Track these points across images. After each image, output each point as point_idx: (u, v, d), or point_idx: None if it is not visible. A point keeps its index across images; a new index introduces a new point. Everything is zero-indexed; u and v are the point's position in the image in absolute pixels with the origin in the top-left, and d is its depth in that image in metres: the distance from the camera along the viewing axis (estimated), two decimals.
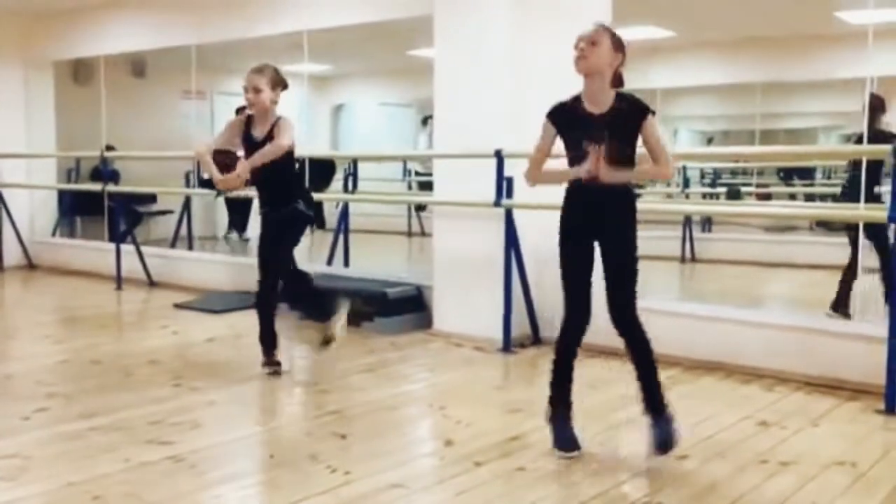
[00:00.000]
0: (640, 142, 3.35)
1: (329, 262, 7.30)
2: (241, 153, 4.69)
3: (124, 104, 9.44)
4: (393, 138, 11.55)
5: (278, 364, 4.81)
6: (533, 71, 5.41)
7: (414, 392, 4.65)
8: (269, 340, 4.83)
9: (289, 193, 4.70)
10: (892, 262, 4.19)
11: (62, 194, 9.69)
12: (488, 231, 5.50)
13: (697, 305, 5.52)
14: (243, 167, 4.56)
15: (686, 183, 9.63)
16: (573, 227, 3.42)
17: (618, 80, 3.34)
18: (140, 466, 3.31)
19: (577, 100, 3.36)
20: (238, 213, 9.61)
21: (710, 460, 3.44)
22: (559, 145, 3.44)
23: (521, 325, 5.53)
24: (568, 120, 3.36)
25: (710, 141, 10.21)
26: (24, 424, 3.84)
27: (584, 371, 4.82)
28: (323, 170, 9.38)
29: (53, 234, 9.61)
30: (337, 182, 8.81)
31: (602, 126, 3.26)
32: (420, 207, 10.32)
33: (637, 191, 3.78)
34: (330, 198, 8.77)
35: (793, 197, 9.45)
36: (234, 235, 9.94)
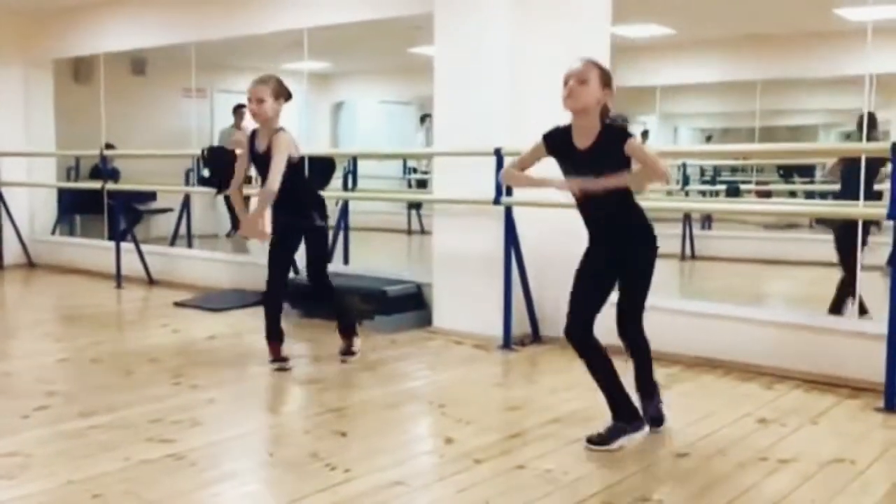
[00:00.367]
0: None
1: (329, 259, 7.30)
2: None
3: (124, 102, 9.43)
4: (393, 136, 11.55)
5: (285, 360, 4.86)
6: (533, 69, 5.41)
7: (414, 390, 4.65)
8: (275, 337, 4.87)
9: (299, 202, 4.72)
10: (894, 260, 4.19)
11: (62, 193, 9.69)
12: (488, 229, 5.50)
13: (697, 303, 5.53)
14: (260, 217, 4.66)
15: (686, 180, 9.63)
16: (592, 260, 3.59)
17: (605, 113, 3.44)
18: (140, 464, 3.31)
19: (568, 131, 3.50)
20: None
21: (709, 458, 3.44)
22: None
23: (521, 323, 5.53)
24: (559, 148, 3.51)
25: (709, 138, 10.21)
26: (24, 423, 3.85)
27: (585, 370, 4.83)
28: (323, 168, 9.38)
29: (53, 233, 9.61)
30: (337, 180, 8.81)
31: (587, 161, 3.40)
32: (415, 206, 10.32)
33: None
34: (330, 196, 8.76)
35: (793, 194, 9.46)
36: (237, 234, 9.93)
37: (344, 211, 7.41)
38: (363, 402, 4.28)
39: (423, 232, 10.04)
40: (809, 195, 9.18)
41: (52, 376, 4.76)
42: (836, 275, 5.73)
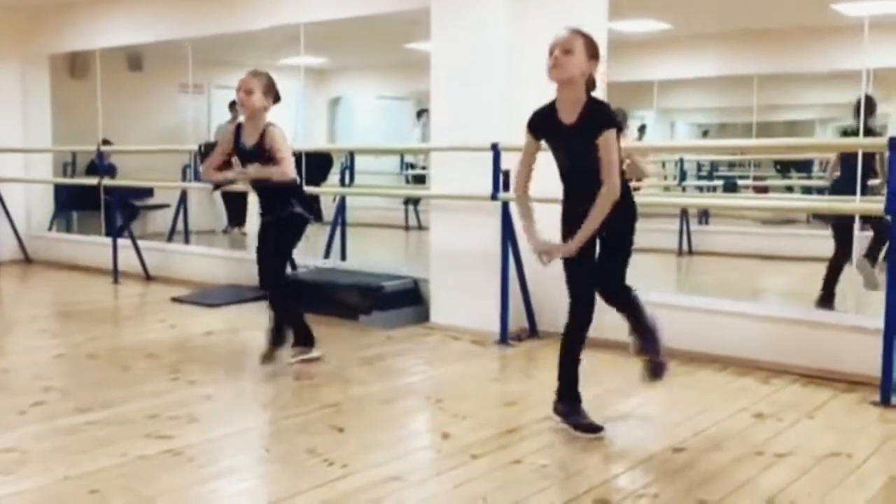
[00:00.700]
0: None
1: (326, 255, 7.31)
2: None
3: (121, 98, 9.43)
4: (390, 132, 11.54)
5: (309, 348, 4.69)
6: (529, 64, 5.38)
7: (411, 385, 4.66)
8: (303, 333, 4.71)
9: (286, 198, 4.58)
10: (892, 255, 4.19)
11: (59, 189, 9.67)
12: (485, 224, 5.50)
13: (694, 298, 5.53)
14: (238, 172, 4.51)
15: (683, 176, 9.64)
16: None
17: (590, 84, 3.40)
18: (137, 460, 3.31)
19: (552, 107, 3.45)
20: (236, 206, 9.60)
21: (705, 452, 3.45)
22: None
23: (518, 318, 5.53)
24: (545, 127, 3.46)
25: (706, 133, 10.21)
26: (21, 419, 3.85)
27: (580, 364, 4.84)
28: (320, 163, 9.37)
29: (50, 229, 9.60)
30: (334, 175, 8.81)
31: (573, 135, 3.36)
32: (413, 201, 10.31)
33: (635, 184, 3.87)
34: (327, 191, 8.76)
35: (790, 189, 9.46)
36: (235, 230, 9.94)
37: (341, 206, 7.40)
38: (360, 397, 4.28)
39: (420, 227, 10.04)
40: (806, 190, 9.19)
41: (48, 372, 4.76)
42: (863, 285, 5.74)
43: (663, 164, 9.76)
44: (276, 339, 4.75)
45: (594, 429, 3.56)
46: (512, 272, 5.41)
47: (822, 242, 6.06)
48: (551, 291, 4.91)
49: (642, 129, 9.99)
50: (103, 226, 8.96)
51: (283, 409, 4.24)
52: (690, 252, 8.80)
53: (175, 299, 6.91)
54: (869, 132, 5.50)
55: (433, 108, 5.95)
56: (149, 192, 9.78)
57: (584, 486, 3.08)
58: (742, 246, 8.54)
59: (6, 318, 6.69)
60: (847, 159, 5.68)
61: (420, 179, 10.66)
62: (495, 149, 5.29)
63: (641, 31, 8.52)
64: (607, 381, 4.53)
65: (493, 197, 5.35)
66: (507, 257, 5.38)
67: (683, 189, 9.63)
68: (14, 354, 5.38)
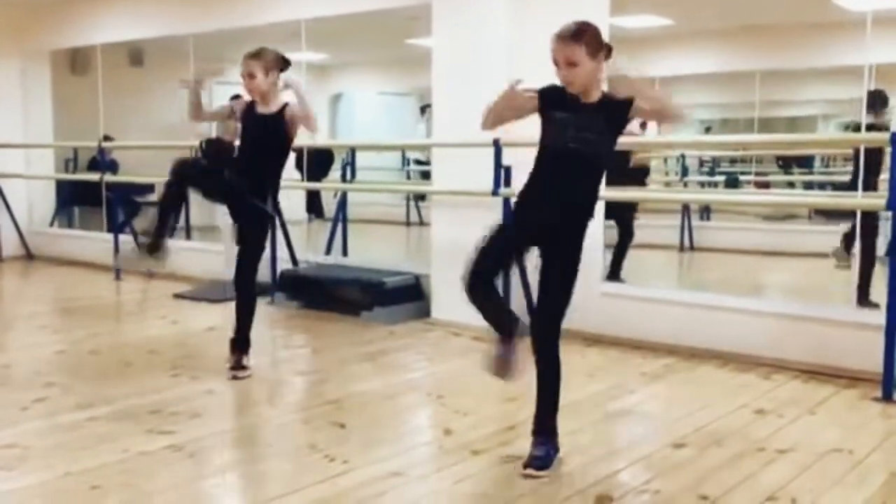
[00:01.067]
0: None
1: (327, 251, 7.31)
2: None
3: (122, 94, 9.41)
4: (391, 128, 11.53)
5: (244, 367, 4.53)
6: (531, 60, 5.37)
7: (412, 381, 4.66)
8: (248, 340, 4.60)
9: (263, 185, 4.43)
10: (893, 250, 4.18)
11: (60, 185, 9.68)
12: (487, 220, 5.44)
13: (695, 294, 5.52)
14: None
15: (685, 171, 9.62)
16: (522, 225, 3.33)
17: (608, 53, 3.17)
18: (139, 456, 3.31)
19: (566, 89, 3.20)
20: None
21: (707, 448, 3.45)
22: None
23: (519, 314, 5.51)
24: (557, 101, 3.20)
25: (708, 129, 10.19)
26: (23, 414, 3.85)
27: (581, 360, 4.85)
28: (321, 159, 9.38)
29: (52, 225, 9.60)
30: (335, 171, 8.81)
31: (592, 112, 3.14)
32: (419, 197, 10.31)
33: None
34: (328, 187, 8.77)
35: (791, 185, 9.45)
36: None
37: (342, 203, 7.40)
38: (361, 393, 4.28)
39: (421, 223, 10.04)
40: (808, 186, 9.17)
41: (50, 368, 4.76)
42: (834, 265, 5.74)
43: (665, 160, 9.75)
44: (244, 343, 4.57)
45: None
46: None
47: (824, 238, 6.05)
48: None
49: (643, 125, 9.96)
50: (105, 222, 8.96)
51: (285, 405, 4.25)
52: (692, 248, 8.78)
53: (176, 295, 6.91)
54: (877, 128, 5.45)
55: (435, 104, 5.94)
56: (150, 188, 9.76)
57: (586, 482, 3.08)
58: (744, 242, 8.52)
59: (8, 314, 6.70)
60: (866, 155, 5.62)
61: (428, 175, 10.65)
62: (497, 144, 5.29)
63: (643, 26, 8.50)
64: (609, 377, 4.54)
65: (495, 193, 5.34)
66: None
67: (685, 185, 9.61)
68: (16, 350, 5.38)
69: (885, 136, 4.34)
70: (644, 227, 6.94)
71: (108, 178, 8.27)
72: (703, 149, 9.47)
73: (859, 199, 5.28)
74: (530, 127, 3.28)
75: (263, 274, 6.33)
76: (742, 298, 5.28)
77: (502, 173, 5.29)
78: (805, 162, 9.23)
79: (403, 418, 4.04)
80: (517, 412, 3.97)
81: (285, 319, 6.16)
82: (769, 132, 8.82)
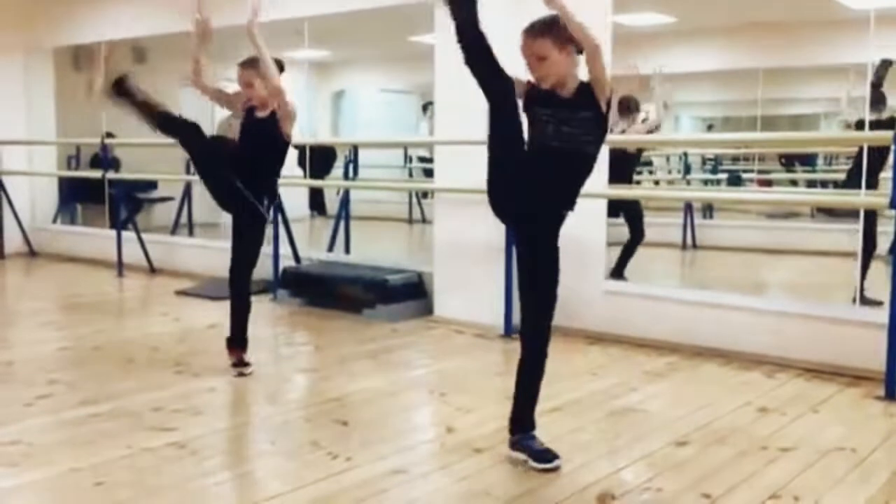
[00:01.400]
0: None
1: (330, 248, 7.31)
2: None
3: None
4: (394, 125, 11.52)
5: (246, 364, 4.58)
6: None
7: (415, 379, 4.66)
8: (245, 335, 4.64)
9: (257, 184, 4.40)
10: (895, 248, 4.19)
11: (63, 181, 9.69)
12: (489, 218, 5.45)
13: (698, 292, 5.52)
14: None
15: (687, 170, 9.61)
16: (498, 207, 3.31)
17: (578, 49, 3.14)
18: (142, 452, 3.32)
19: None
20: None
21: (709, 446, 3.45)
22: None
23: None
24: (538, 97, 3.21)
25: (710, 127, 10.18)
26: (27, 411, 3.86)
27: (584, 358, 4.85)
28: (324, 156, 9.37)
29: (54, 222, 9.62)
30: (338, 169, 8.80)
31: (572, 106, 3.11)
32: (421, 193, 10.30)
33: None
34: (331, 184, 8.77)
35: (794, 183, 9.44)
36: None
37: (345, 200, 7.40)
38: (364, 390, 4.29)
39: (424, 221, 10.03)
40: (811, 184, 9.16)
41: (53, 365, 4.77)
42: (838, 264, 5.73)
43: (667, 159, 9.74)
44: (243, 343, 4.61)
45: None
46: (515, 265, 5.40)
47: (827, 236, 6.05)
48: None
49: (645, 121, 9.96)
50: (108, 219, 8.97)
51: (287, 403, 4.25)
52: (695, 246, 8.78)
53: (179, 292, 6.92)
54: (879, 125, 5.43)
55: (437, 102, 5.94)
56: (153, 184, 9.78)
57: (587, 481, 3.09)
58: (746, 240, 8.51)
59: (11, 311, 6.71)
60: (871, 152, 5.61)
61: (431, 173, 10.65)
62: None
63: (645, 24, 8.49)
64: (611, 375, 4.54)
65: None
66: (512, 251, 5.36)
67: (688, 182, 9.61)
68: (19, 347, 5.39)
69: (889, 134, 4.33)
70: (646, 226, 6.94)
71: (111, 175, 8.28)
72: (706, 147, 9.46)
73: (862, 198, 5.27)
74: None
75: (266, 271, 6.38)
76: (745, 296, 5.28)
77: None
78: (808, 160, 9.22)
79: (406, 416, 4.04)
80: None
81: (287, 316, 6.17)
82: (772, 130, 8.82)
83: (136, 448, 3.36)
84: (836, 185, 7.89)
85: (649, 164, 9.25)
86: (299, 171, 7.90)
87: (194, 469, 3.21)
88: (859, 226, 5.19)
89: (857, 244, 5.19)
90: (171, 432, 3.56)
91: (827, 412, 3.94)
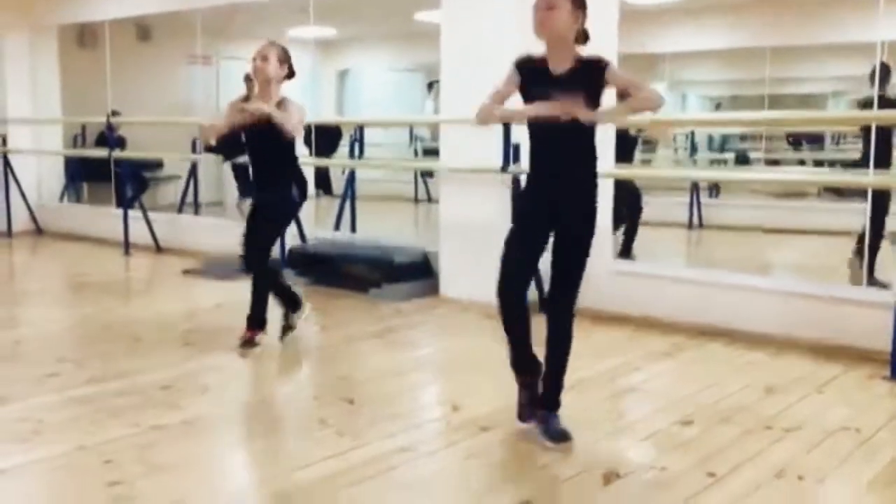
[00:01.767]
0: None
1: (336, 227, 7.31)
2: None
3: (129, 69, 9.40)
4: (400, 104, 11.49)
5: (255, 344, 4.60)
6: None
7: (421, 358, 4.68)
8: (291, 298, 4.70)
9: (282, 176, 4.48)
10: None
11: (69, 160, 9.70)
12: (495, 196, 5.49)
13: (704, 271, 5.52)
14: (252, 107, 4.36)
15: (694, 149, 9.59)
16: (529, 212, 3.33)
17: (582, 37, 3.19)
18: (150, 430, 3.34)
19: (542, 59, 3.22)
20: (245, 178, 9.60)
21: (714, 426, 3.46)
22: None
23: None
24: (533, 74, 3.21)
25: (718, 106, 10.14)
26: (36, 389, 3.88)
27: (590, 338, 4.86)
28: (329, 135, 9.35)
29: (61, 200, 9.64)
30: (343, 148, 8.79)
31: (564, 85, 3.10)
32: (426, 173, 10.29)
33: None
34: (336, 164, 8.76)
35: (801, 163, 9.41)
36: (247, 202, 9.93)
37: (351, 179, 7.40)
38: (371, 369, 4.31)
39: (430, 200, 10.03)
40: (818, 164, 9.13)
41: (61, 343, 4.80)
42: (844, 243, 5.72)
43: (674, 138, 9.71)
44: (295, 306, 4.72)
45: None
46: None
47: (834, 216, 6.03)
48: None
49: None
50: (114, 197, 8.98)
51: (295, 381, 4.27)
52: (701, 225, 8.77)
53: (186, 271, 6.93)
54: (887, 102, 5.40)
55: (443, 80, 5.91)
56: (159, 163, 9.78)
57: (593, 459, 3.10)
58: (753, 219, 8.50)
59: (18, 290, 6.74)
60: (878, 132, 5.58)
61: (436, 152, 10.62)
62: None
63: (653, 2, 8.44)
64: (617, 354, 4.55)
65: (504, 169, 5.34)
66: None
67: (695, 162, 9.58)
68: (27, 325, 5.42)
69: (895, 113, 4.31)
70: (653, 205, 6.93)
71: (117, 153, 8.28)
72: (713, 126, 9.43)
73: (871, 178, 5.25)
74: None
75: (272, 250, 6.38)
76: (751, 276, 5.27)
77: (511, 150, 5.27)
78: (815, 139, 9.18)
79: (412, 395, 4.06)
80: None
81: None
82: (779, 109, 8.78)
83: (145, 426, 3.38)
84: (844, 164, 7.87)
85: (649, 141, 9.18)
86: (305, 150, 7.90)
87: (202, 447, 3.24)
88: (867, 206, 5.18)
89: (865, 224, 5.18)
90: (178, 410, 3.58)
91: (832, 392, 3.95)
